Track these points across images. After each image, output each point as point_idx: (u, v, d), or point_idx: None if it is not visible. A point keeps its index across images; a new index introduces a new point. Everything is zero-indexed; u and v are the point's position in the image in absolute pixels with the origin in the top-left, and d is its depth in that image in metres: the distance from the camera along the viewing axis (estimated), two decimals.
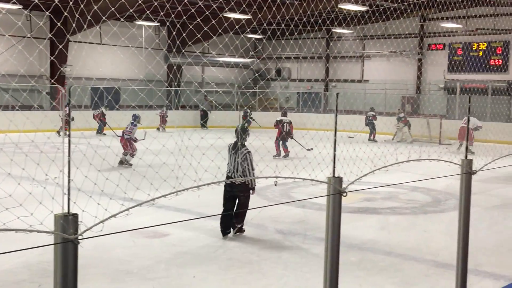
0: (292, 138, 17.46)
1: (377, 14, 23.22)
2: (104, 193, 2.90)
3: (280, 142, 17.43)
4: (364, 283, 6.33)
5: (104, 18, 4.20)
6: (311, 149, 15.10)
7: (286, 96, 35.79)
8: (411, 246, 7.89)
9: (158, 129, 26.32)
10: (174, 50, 28.65)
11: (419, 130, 24.41)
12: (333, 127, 2.70)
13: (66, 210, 1.89)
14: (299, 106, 32.88)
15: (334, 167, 2.55)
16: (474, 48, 29.32)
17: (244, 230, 8.25)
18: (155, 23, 27.70)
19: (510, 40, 27.88)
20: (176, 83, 31.22)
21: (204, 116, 30.10)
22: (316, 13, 21.20)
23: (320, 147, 4.02)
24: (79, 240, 1.86)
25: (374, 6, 23.34)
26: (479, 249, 7.30)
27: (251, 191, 8.12)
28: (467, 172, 3.30)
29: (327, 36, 34.11)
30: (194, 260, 7.05)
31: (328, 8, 21.20)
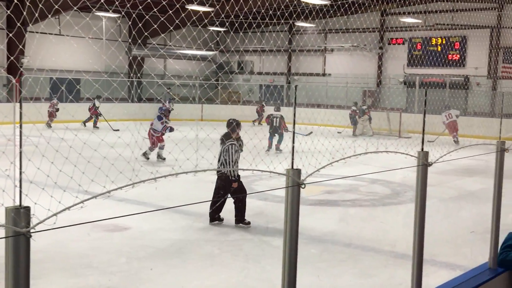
0: (286, 131, 17.55)
1: (335, 7, 23.37)
2: (57, 185, 2.84)
3: (274, 138, 17.43)
4: (323, 274, 6.40)
5: (56, 6, 4.10)
6: (311, 132, 15.26)
7: (249, 89, 35.79)
8: (370, 237, 8.01)
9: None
10: (129, 40, 28.23)
11: (378, 123, 24.78)
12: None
13: (17, 203, 1.85)
14: (261, 99, 32.94)
15: (292, 159, 2.56)
16: (433, 43, 29.87)
17: (247, 223, 8.25)
18: (114, 15, 27.24)
19: (467, 35, 28.49)
20: (132, 75, 30.80)
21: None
22: (276, 6, 21.17)
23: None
24: (31, 234, 1.81)
25: (335, 0, 23.48)
26: (435, 240, 7.45)
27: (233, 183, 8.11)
28: (423, 164, 3.35)
29: (289, 30, 34.23)
30: (156, 253, 7.00)
31: (289, 1, 21.24)
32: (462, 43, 28.80)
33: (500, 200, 4.41)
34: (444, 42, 29.38)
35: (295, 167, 2.49)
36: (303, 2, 22.04)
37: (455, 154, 4.16)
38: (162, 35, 29.74)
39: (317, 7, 24.08)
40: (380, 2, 26.10)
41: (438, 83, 28.49)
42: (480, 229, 8.10)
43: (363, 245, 7.62)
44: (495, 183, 4.38)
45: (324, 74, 34.31)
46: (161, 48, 30.62)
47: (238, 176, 8.26)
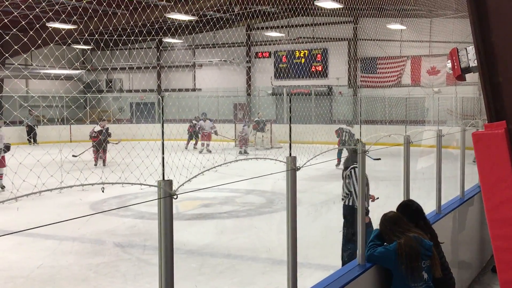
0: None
1: (203, 23, 23.65)
2: None
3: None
4: (203, 287, 6.40)
5: None
6: (379, 159, 14.74)
7: (119, 107, 34.98)
8: (248, 246, 8.15)
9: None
10: None
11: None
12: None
13: None
14: (133, 117, 32.36)
15: (163, 170, 2.56)
16: (297, 56, 31.13)
17: None
18: None
19: (328, 47, 30.02)
20: None
21: (31, 132, 28.30)
22: (146, 23, 21.04)
23: (144, 155, 3.99)
24: None
25: (202, 16, 23.76)
26: (309, 243, 7.74)
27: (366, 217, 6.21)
28: (292, 169, 3.49)
29: (158, 46, 34.04)
30: (26, 283, 6.61)
31: (158, 18, 21.17)
32: (324, 55, 30.30)
33: (364, 199, 4.69)
34: (307, 54, 30.73)
35: (166, 178, 2.49)
36: (170, 18, 22.04)
37: (321, 158, 4.36)
38: (19, 57, 28.13)
39: (184, 23, 24.20)
40: (245, 17, 26.77)
41: (305, 93, 29.73)
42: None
43: (241, 255, 7.73)
44: (359, 184, 4.65)
45: (194, 89, 34.47)
46: (23, 68, 29.04)
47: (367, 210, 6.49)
